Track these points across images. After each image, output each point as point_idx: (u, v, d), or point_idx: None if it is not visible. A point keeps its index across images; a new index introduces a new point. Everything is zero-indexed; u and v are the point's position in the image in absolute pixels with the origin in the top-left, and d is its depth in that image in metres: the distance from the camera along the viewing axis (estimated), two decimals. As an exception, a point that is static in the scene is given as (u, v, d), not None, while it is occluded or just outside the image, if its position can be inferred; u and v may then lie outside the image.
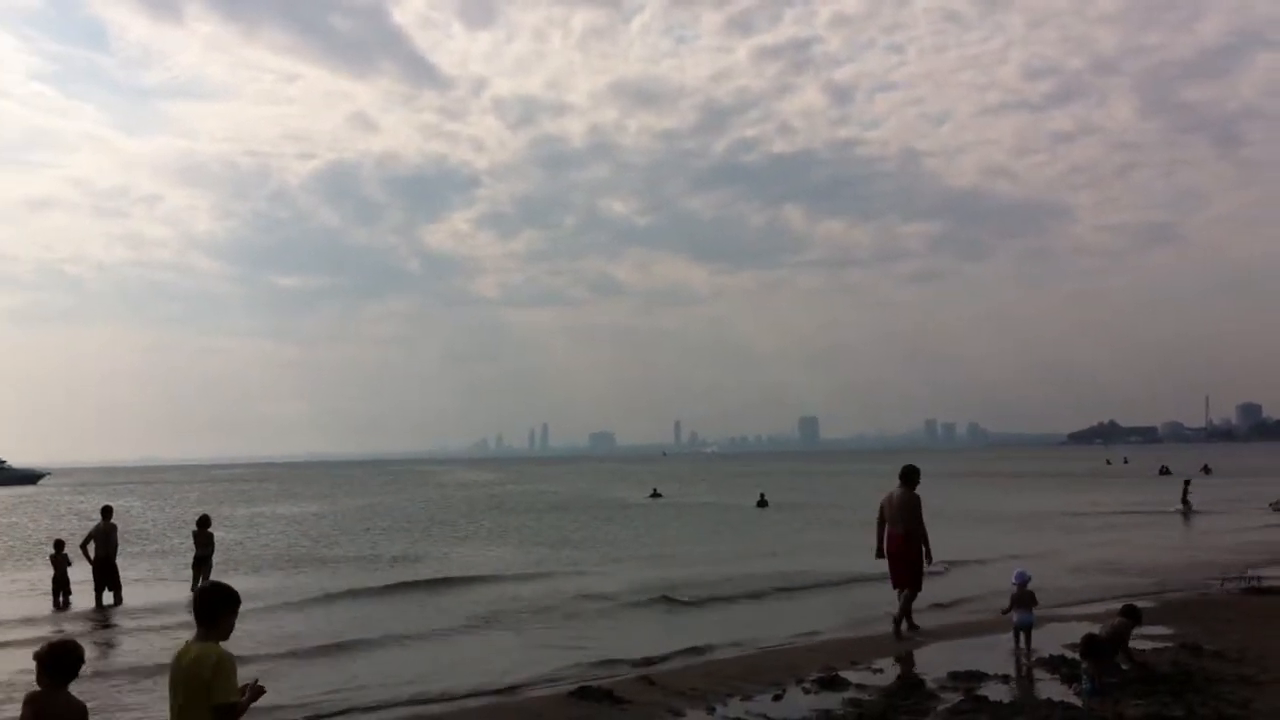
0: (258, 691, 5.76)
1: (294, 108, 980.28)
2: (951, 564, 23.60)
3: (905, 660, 13.31)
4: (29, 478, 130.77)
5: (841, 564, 24.81)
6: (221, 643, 5.68)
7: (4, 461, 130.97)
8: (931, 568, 16.21)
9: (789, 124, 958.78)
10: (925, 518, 15.55)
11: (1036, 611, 13.68)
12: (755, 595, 21.11)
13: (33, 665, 5.80)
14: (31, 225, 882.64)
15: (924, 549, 15.36)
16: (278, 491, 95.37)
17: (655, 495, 67.25)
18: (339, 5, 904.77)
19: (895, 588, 15.66)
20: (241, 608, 5.86)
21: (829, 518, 44.25)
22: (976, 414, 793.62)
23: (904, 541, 15.37)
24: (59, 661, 5.58)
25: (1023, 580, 13.53)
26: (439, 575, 25.12)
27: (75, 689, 5.95)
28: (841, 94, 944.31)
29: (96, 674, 13.63)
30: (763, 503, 52.74)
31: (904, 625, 15.37)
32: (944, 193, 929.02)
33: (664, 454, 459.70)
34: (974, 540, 29.57)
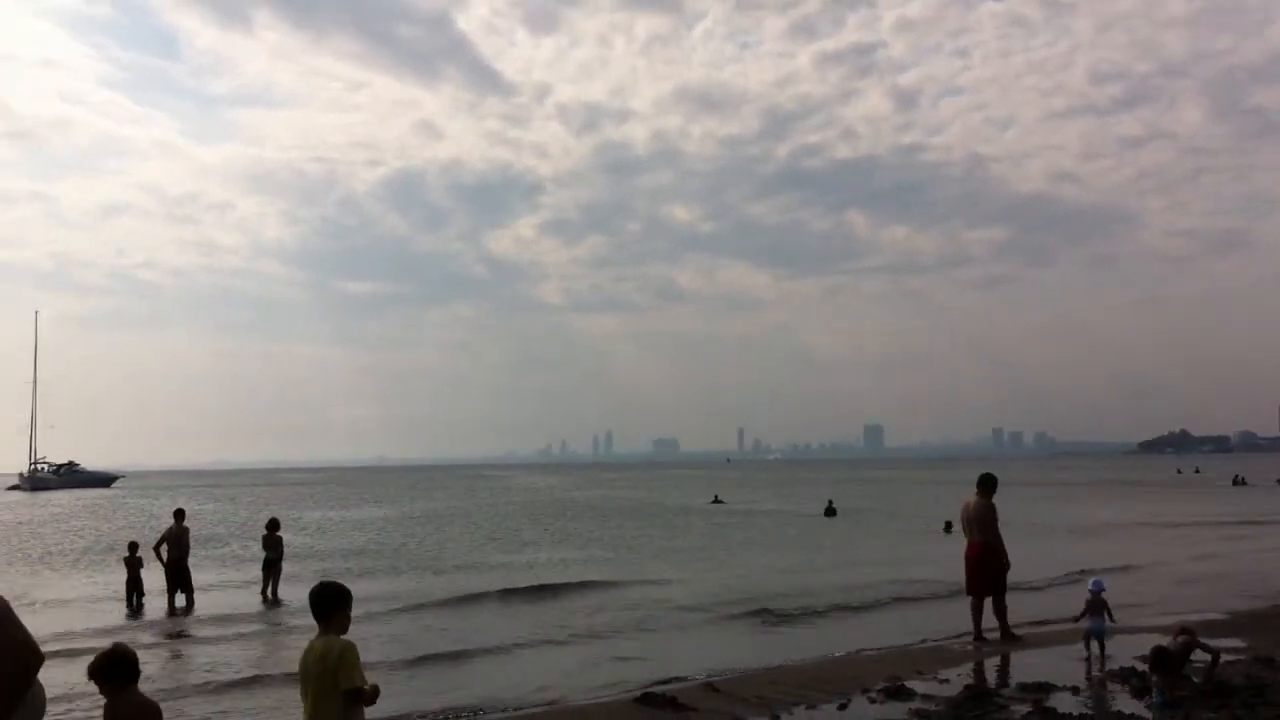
0: (375, 691, 6.14)
1: (361, 115, 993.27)
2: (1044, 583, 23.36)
3: (973, 671, 13.23)
4: (103, 480, 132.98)
5: (915, 574, 24.61)
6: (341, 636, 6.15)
7: (78, 464, 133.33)
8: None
9: (852, 129, 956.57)
10: (1000, 526, 15.52)
11: (1110, 625, 13.59)
12: (841, 607, 20.55)
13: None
14: (104, 232, 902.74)
15: (1001, 558, 15.31)
16: (345, 495, 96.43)
17: (717, 501, 67.16)
18: (405, 13, 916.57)
19: (969, 594, 15.63)
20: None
21: (897, 527, 43.84)
22: (1044, 422, 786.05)
23: (981, 549, 15.35)
24: (112, 670, 5.74)
25: (1099, 589, 13.43)
26: (512, 585, 24.64)
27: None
28: (906, 99, 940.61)
29: (165, 689, 13.75)
30: (831, 511, 51.88)
31: (1000, 635, 15.34)
32: (1009, 198, 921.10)
33: (728, 460, 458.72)
34: (1050, 551, 29.26)
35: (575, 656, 16.01)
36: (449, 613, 21.05)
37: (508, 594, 23.33)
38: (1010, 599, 15.62)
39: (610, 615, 20.03)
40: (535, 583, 24.97)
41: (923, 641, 16.10)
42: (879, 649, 15.65)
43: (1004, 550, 15.35)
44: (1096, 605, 13.36)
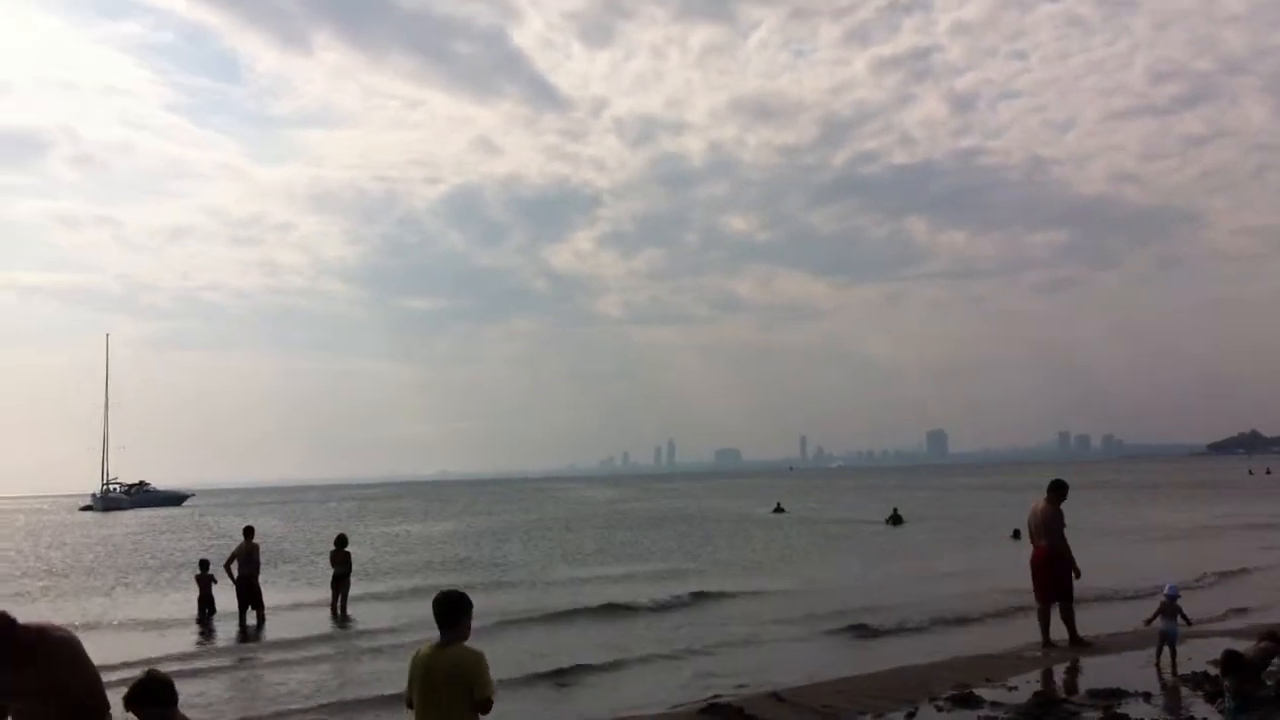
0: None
1: (419, 133, 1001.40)
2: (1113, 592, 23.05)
3: (1042, 678, 13.12)
4: (174, 499, 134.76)
5: (997, 583, 24.27)
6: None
7: (149, 484, 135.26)
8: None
9: (909, 135, 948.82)
10: (1070, 531, 15.41)
11: (1182, 629, 13.41)
12: (939, 620, 19.89)
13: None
14: (170, 254, 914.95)
15: (1070, 564, 15.18)
16: (412, 509, 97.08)
17: (779, 510, 66.96)
18: (461, 30, 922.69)
19: (1039, 602, 15.53)
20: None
21: (965, 534, 43.17)
22: (1111, 425, 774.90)
23: (1047, 554, 15.25)
24: (145, 697, 5.85)
25: (1173, 595, 13.26)
26: (587, 603, 23.83)
27: None
28: (963, 103, 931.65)
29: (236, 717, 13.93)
30: (896, 519, 51.38)
31: (1069, 641, 15.23)
32: (1071, 200, 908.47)
33: (790, 469, 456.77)
34: (1123, 556, 28.93)
35: (678, 673, 15.61)
36: (534, 630, 20.62)
37: (591, 611, 22.72)
38: (1108, 608, 15.47)
39: (699, 630, 19.70)
40: (612, 600, 24.21)
41: (992, 646, 16.00)
42: (950, 658, 15.56)
43: (1071, 556, 15.22)
44: (1170, 609, 13.20)
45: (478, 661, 6.23)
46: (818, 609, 21.75)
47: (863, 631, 18.80)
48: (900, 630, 18.95)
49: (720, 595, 24.96)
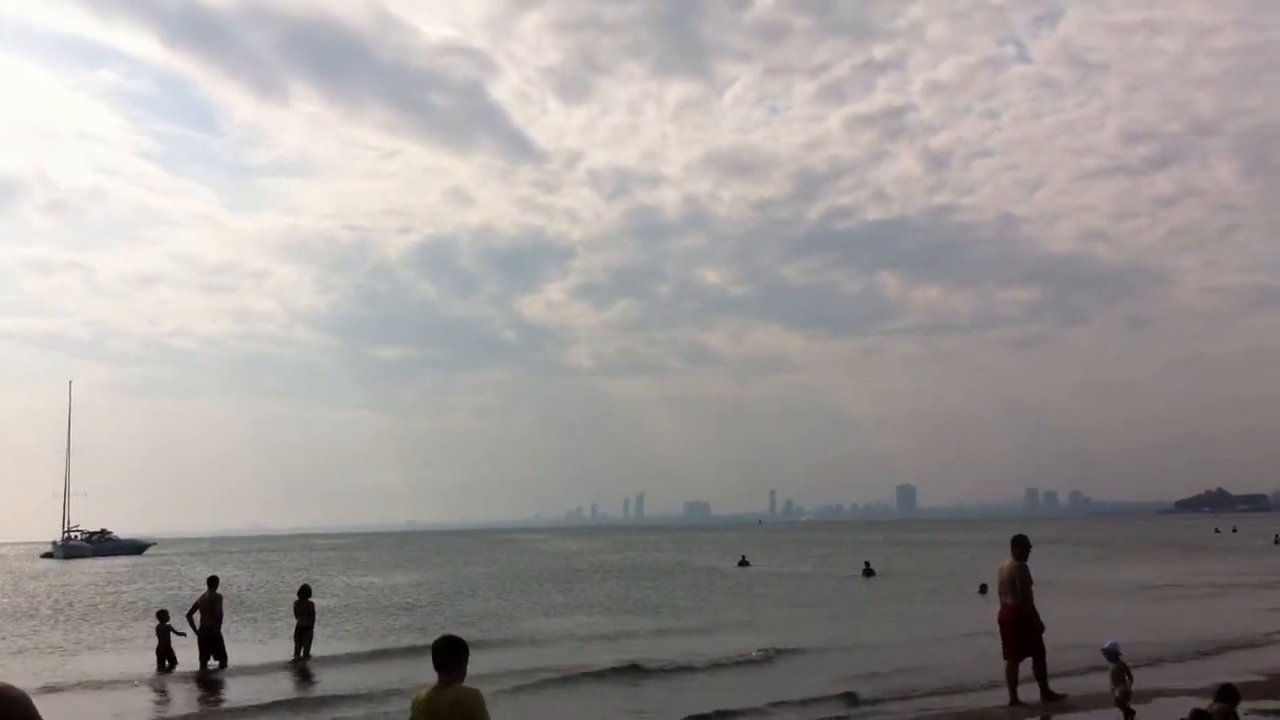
0: None
1: (394, 183, 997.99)
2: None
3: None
4: (135, 549, 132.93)
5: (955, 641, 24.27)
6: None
7: (110, 533, 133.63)
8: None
9: (884, 191, 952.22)
10: (1035, 590, 15.43)
11: (1142, 682, 13.31)
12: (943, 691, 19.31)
13: None
14: (139, 300, 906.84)
15: (1034, 620, 15.19)
16: (377, 560, 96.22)
17: (743, 564, 66.76)
18: (438, 83, 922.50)
19: (1006, 659, 15.51)
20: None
21: (936, 589, 43.10)
22: (1079, 481, 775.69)
23: (1014, 612, 15.26)
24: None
25: (1114, 650, 13.15)
26: (581, 665, 22.21)
27: None
28: (937, 161, 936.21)
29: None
30: (869, 572, 51.27)
31: (1041, 696, 15.26)
32: (1041, 258, 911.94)
33: (760, 522, 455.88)
34: (1090, 612, 28.96)
35: None
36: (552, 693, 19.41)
37: (616, 673, 21.27)
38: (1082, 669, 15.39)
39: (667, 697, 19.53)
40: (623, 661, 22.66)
41: (959, 711, 15.94)
42: (913, 715, 15.51)
43: (1035, 613, 15.24)
44: (1118, 673, 13.11)
45: (476, 699, 6.54)
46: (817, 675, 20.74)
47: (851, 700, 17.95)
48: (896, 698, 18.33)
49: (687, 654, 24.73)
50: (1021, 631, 15.23)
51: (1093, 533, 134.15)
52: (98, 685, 22.08)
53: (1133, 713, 13.09)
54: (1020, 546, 15.50)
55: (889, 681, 18.84)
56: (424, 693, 6.69)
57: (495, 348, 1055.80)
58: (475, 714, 6.49)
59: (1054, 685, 15.55)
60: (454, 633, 7.03)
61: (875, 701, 17.06)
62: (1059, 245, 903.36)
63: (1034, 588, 15.40)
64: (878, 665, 20.93)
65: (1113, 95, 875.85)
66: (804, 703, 16.98)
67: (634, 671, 21.08)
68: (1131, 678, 13.39)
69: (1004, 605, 15.49)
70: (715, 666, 21.66)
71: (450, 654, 6.71)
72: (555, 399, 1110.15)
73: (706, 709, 16.43)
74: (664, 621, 31.94)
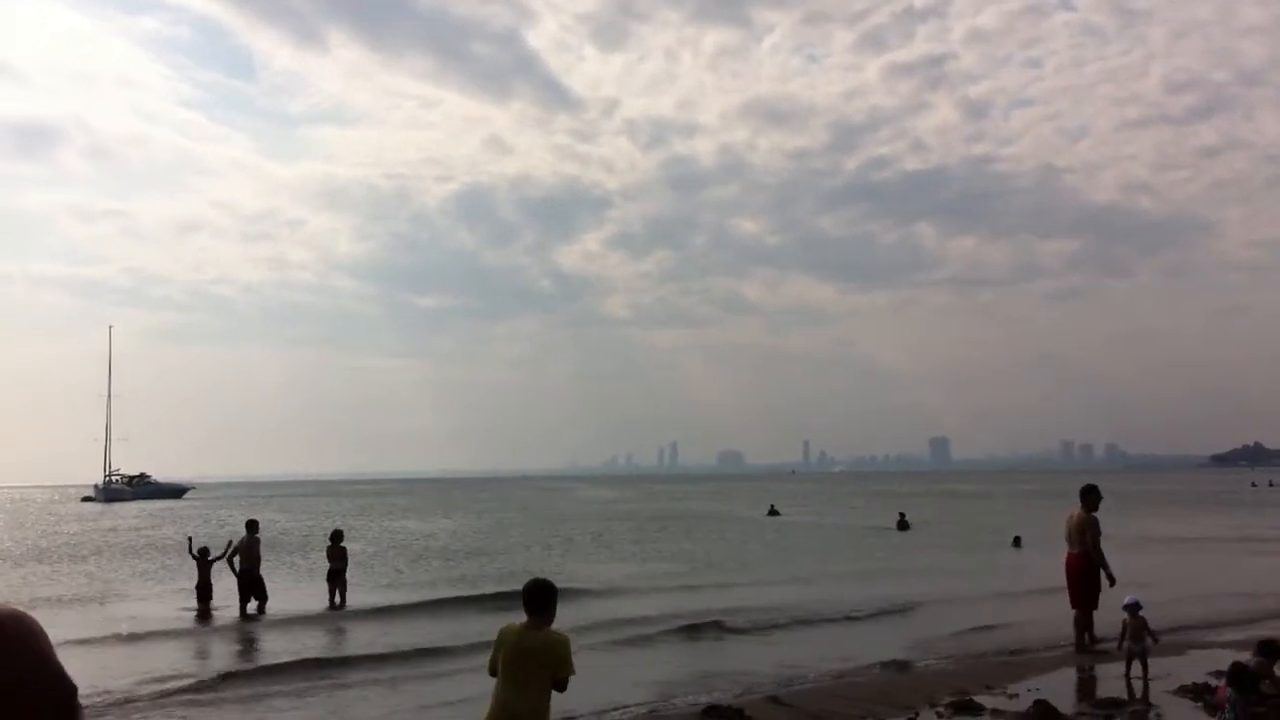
0: None
1: (433, 132, 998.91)
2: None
3: (1043, 686, 13.09)
4: (174, 492, 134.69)
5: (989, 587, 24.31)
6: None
7: (150, 476, 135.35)
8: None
9: (922, 141, 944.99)
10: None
11: (1151, 645, 13.16)
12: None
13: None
14: (181, 247, 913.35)
15: (1104, 571, 15.19)
16: (414, 505, 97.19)
17: (773, 513, 66.94)
18: (478, 31, 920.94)
19: (1073, 607, 15.53)
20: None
21: (977, 540, 42.10)
22: (1115, 434, 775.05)
23: (1080, 561, 15.26)
24: None
25: (1135, 605, 13.05)
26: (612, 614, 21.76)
27: None
28: (976, 110, 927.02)
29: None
30: (903, 524, 50.02)
31: (1086, 640, 15.32)
32: (1082, 209, 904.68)
33: (793, 473, 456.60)
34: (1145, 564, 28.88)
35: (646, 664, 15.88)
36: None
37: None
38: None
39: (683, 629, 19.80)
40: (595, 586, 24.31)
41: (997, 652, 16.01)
42: (950, 658, 15.58)
43: (1105, 561, 15.25)
44: (1136, 629, 13.00)
45: (566, 645, 6.92)
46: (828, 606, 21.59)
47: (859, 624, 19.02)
48: (891, 624, 19.09)
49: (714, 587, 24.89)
50: (1087, 579, 15.22)
51: (1129, 485, 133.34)
52: (137, 632, 21.14)
53: (1145, 668, 12.97)
54: (1090, 497, 15.48)
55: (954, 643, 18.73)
56: (515, 626, 7.01)
57: (532, 297, 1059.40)
58: (566, 659, 6.85)
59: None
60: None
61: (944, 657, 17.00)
62: (1101, 196, 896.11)
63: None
64: (943, 623, 20.28)
65: (1157, 43, 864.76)
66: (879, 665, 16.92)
67: (716, 628, 19.65)
68: (1156, 639, 13.25)
69: (1070, 554, 15.50)
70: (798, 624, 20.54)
71: (542, 597, 7.01)
72: (591, 348, 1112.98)
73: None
74: (725, 574, 31.51)
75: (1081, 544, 15.31)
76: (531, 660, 6.82)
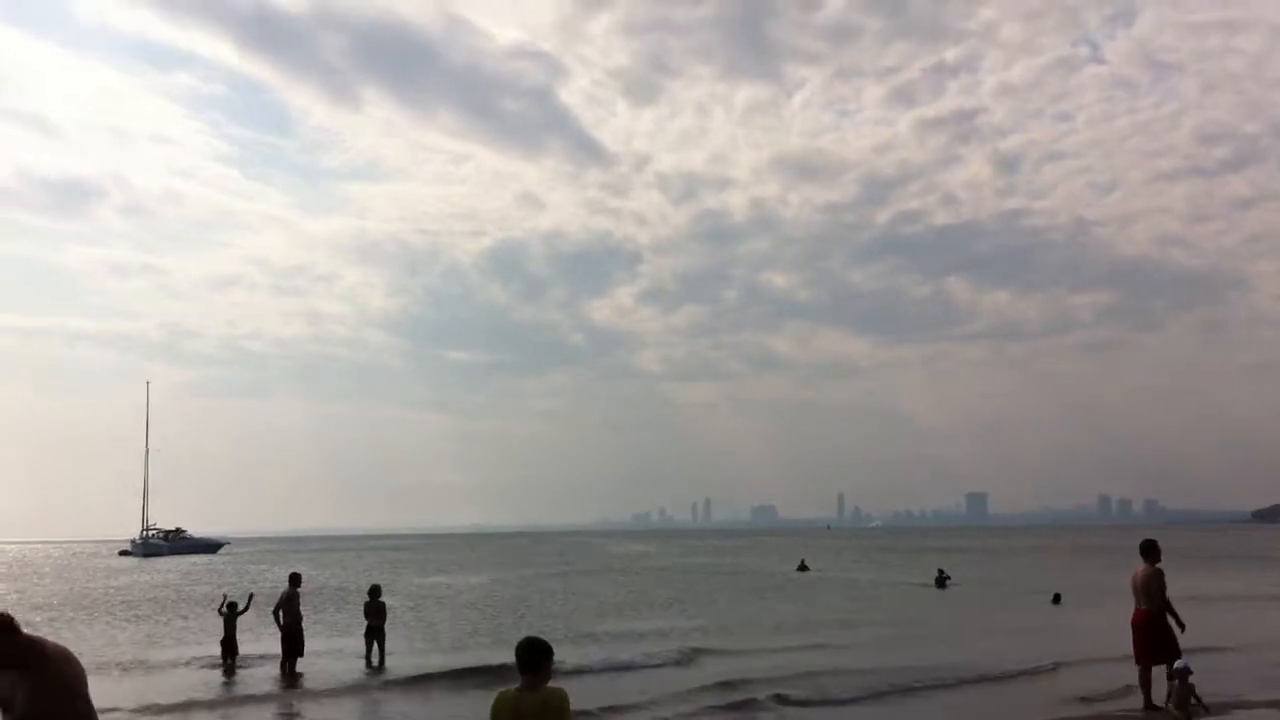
0: None
1: (464, 187, 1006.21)
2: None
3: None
4: (209, 547, 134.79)
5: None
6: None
7: (185, 531, 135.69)
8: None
9: (953, 195, 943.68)
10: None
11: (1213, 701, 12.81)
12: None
13: None
14: (215, 302, 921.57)
15: (1173, 619, 14.95)
16: (447, 561, 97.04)
17: (802, 568, 66.26)
18: (509, 87, 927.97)
19: (1137, 663, 15.21)
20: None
21: (1018, 599, 41.73)
22: (1153, 489, 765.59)
23: (1147, 618, 15.01)
24: None
25: (1184, 670, 12.71)
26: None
27: None
28: (1008, 164, 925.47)
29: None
30: (942, 581, 49.31)
31: (1171, 703, 14.99)
32: (1114, 262, 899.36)
33: (828, 528, 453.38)
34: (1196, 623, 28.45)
35: None
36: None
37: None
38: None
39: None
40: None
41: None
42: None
43: (1174, 611, 14.99)
44: (1183, 694, 12.63)
45: (564, 698, 6.71)
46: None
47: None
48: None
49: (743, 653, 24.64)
50: (1154, 637, 14.97)
51: (1171, 541, 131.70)
52: (171, 703, 20.72)
53: None
54: (1151, 551, 15.30)
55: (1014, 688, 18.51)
56: (511, 690, 6.78)
57: (563, 351, 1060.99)
58: (565, 712, 6.67)
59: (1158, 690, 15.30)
60: (535, 635, 7.00)
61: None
62: (1132, 249, 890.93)
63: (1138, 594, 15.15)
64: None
65: (1188, 96, 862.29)
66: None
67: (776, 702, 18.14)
68: (1206, 708, 12.84)
69: (1136, 610, 15.24)
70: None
71: (534, 656, 6.79)
72: (622, 403, 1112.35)
73: None
74: (757, 636, 31.46)
75: (1148, 600, 15.05)
76: (531, 717, 6.65)
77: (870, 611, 37.06)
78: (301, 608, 23.35)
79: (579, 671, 21.70)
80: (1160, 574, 15.12)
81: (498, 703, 6.79)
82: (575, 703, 6.85)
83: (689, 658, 24.34)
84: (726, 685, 19.52)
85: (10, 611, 6.08)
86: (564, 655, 23.28)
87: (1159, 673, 14.64)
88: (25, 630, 6.06)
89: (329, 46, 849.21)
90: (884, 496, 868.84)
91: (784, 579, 58.54)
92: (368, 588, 25.13)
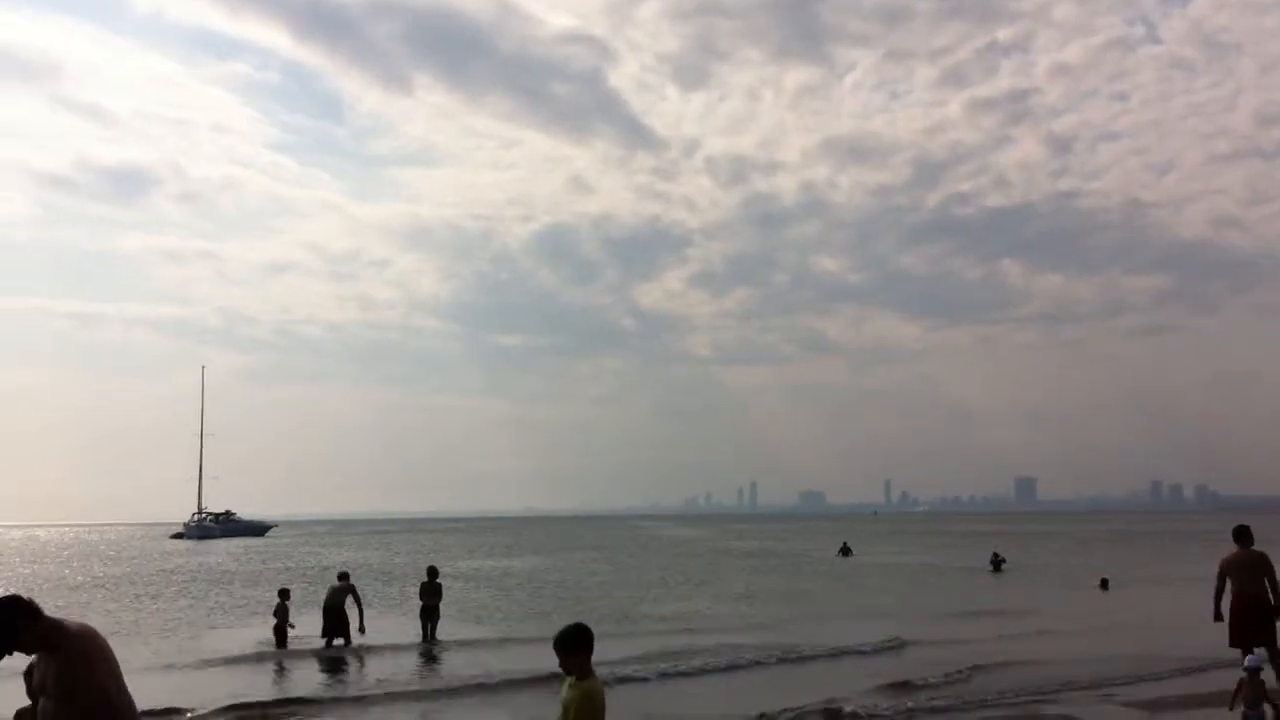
0: None
1: (515, 172, 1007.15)
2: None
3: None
4: (258, 530, 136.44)
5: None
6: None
7: (234, 514, 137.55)
8: None
9: (1005, 177, 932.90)
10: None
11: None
12: None
13: None
14: (270, 288, 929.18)
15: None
16: (498, 544, 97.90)
17: (845, 552, 65.78)
18: (559, 71, 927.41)
19: (1233, 645, 14.90)
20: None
21: (1080, 581, 41.06)
22: (1205, 474, 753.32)
23: (1255, 599, 14.73)
24: None
25: (1254, 667, 12.30)
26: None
27: None
28: (1061, 145, 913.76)
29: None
30: (997, 565, 48.83)
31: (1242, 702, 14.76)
32: (1170, 244, 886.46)
33: (875, 513, 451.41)
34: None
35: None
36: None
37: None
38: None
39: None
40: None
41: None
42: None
43: None
44: (1253, 691, 12.23)
45: (591, 698, 6.58)
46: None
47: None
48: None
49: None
50: (1260, 617, 14.76)
51: (1226, 525, 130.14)
52: (220, 662, 21.72)
53: None
54: (1246, 535, 15.03)
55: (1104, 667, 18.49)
56: (568, 677, 6.77)
57: (613, 336, 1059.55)
58: (584, 713, 6.61)
59: (1196, 680, 15.16)
60: (577, 620, 6.93)
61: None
62: (1189, 231, 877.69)
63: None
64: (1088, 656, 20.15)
65: (1246, 76, 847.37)
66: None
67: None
68: (1277, 708, 12.39)
69: (1241, 594, 14.81)
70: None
71: (563, 644, 6.69)
72: (671, 387, 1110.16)
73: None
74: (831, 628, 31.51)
75: (1253, 583, 14.77)
76: (567, 714, 6.67)
77: (937, 595, 36.95)
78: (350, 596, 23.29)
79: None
80: (1267, 557, 14.82)
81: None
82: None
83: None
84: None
85: (36, 597, 6.06)
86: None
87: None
88: (51, 615, 5.97)
89: (382, 33, 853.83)
90: (932, 481, 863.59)
91: (828, 563, 58.34)
92: (425, 569, 25.44)
